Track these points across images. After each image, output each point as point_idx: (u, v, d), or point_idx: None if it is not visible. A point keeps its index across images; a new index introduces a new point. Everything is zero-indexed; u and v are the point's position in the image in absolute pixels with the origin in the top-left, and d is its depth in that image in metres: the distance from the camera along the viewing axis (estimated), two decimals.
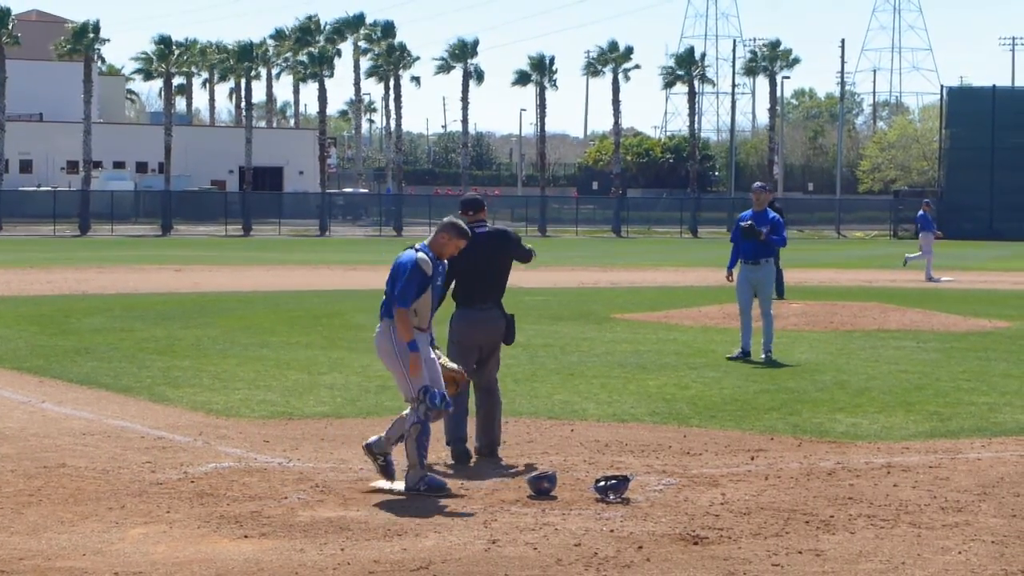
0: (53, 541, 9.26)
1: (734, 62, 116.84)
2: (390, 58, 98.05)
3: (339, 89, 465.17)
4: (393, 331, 10.89)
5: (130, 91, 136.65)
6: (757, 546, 9.24)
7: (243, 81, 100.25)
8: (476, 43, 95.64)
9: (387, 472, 10.95)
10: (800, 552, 9.10)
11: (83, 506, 10.25)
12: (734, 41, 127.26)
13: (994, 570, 8.78)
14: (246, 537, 9.44)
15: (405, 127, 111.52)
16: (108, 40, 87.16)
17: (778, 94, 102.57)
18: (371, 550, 9.11)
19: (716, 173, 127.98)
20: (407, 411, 10.94)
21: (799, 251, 41.13)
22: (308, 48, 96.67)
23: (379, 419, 14.22)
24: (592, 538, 9.40)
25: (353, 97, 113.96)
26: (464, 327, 12.27)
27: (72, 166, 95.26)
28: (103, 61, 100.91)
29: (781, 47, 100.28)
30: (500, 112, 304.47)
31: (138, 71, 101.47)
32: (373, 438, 11.11)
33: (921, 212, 42.37)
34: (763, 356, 19.43)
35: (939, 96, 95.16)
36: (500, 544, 9.24)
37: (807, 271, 42.48)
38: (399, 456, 11.06)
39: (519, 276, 41.19)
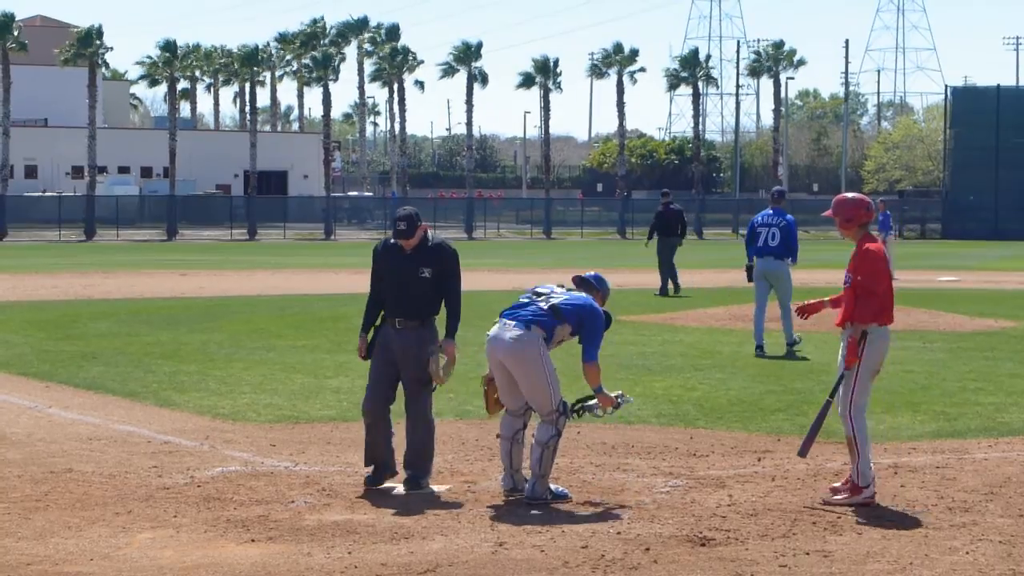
0: (60, 546, 9.27)
1: (738, 63, 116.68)
2: (394, 62, 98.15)
3: (343, 93, 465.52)
4: (543, 341, 10.56)
5: (134, 96, 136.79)
6: (764, 547, 9.24)
7: (247, 85, 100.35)
8: (480, 46, 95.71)
9: (562, 495, 10.64)
10: (807, 553, 9.10)
11: (90, 511, 10.25)
12: (738, 42, 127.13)
13: (1002, 570, 8.78)
14: (253, 541, 9.45)
15: (409, 130, 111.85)
16: (111, 48, 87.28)
17: (782, 95, 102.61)
18: (378, 553, 9.11)
19: (721, 175, 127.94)
20: (536, 437, 10.56)
21: (805, 252, 41.07)
22: (312, 52, 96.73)
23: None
24: (599, 540, 9.40)
25: (357, 100, 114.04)
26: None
27: (77, 171, 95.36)
28: (107, 66, 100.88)
29: (785, 48, 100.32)
30: (504, 115, 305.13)
31: (143, 76, 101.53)
32: (527, 488, 10.58)
33: (885, 213, 42.48)
34: (787, 348, 20.12)
35: (943, 96, 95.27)
36: (507, 547, 9.24)
37: (813, 272, 42.44)
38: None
39: (523, 279, 41.18)
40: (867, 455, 10.45)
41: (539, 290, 10.92)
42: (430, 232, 11.15)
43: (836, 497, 10.44)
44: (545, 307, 10.64)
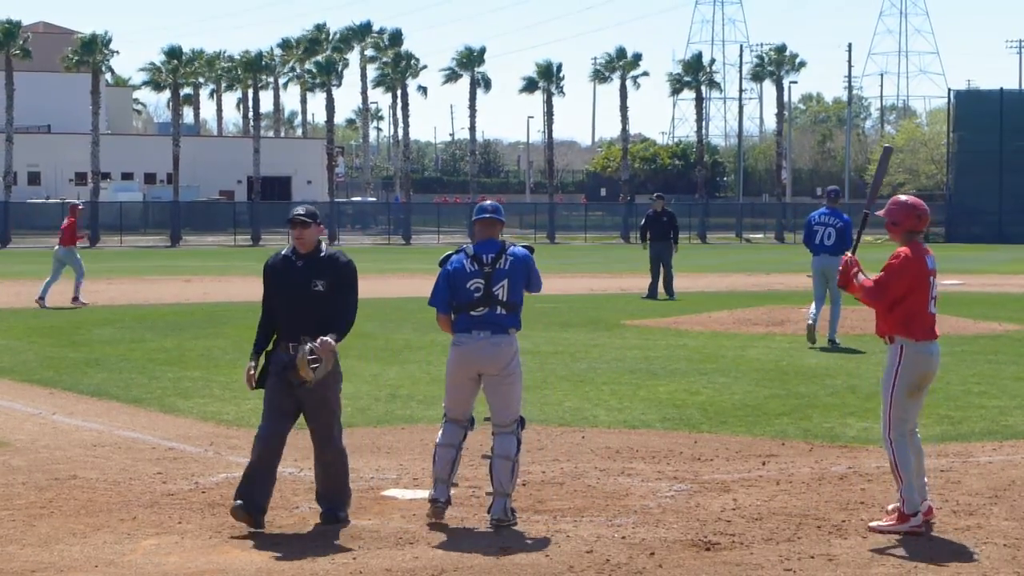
0: (65, 553, 9.27)
1: (741, 67, 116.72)
2: (397, 67, 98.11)
3: (347, 98, 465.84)
4: (518, 342, 10.24)
5: (137, 102, 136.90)
6: (769, 551, 9.24)
7: (251, 91, 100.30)
8: (483, 51, 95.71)
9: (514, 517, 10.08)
10: (812, 557, 9.10)
11: (94, 518, 10.25)
12: (741, 46, 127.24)
13: (1006, 573, 8.78)
14: (257, 547, 9.45)
15: (413, 135, 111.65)
16: (117, 52, 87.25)
17: (785, 99, 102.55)
18: (383, 559, 9.12)
19: (724, 179, 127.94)
20: (498, 451, 10.11)
21: (808, 256, 41.06)
22: (315, 57, 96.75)
23: (389, 427, 14.26)
24: (604, 545, 9.40)
25: (360, 106, 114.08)
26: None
27: (80, 178, 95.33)
28: (112, 72, 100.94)
29: (788, 52, 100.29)
30: (508, 119, 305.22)
31: (146, 82, 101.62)
32: (497, 508, 9.99)
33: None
34: (828, 342, 21.33)
35: (947, 99, 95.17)
36: (512, 551, 9.24)
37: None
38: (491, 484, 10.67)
39: None
40: (910, 480, 9.80)
41: (494, 291, 10.19)
42: (324, 243, 10.28)
43: (881, 523, 9.86)
44: (507, 310, 10.16)
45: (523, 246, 10.50)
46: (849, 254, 10.18)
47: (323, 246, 10.19)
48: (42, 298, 30.65)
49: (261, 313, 10.27)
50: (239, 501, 9.87)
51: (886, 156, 10.96)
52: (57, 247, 32.28)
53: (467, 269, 10.24)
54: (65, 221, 32.43)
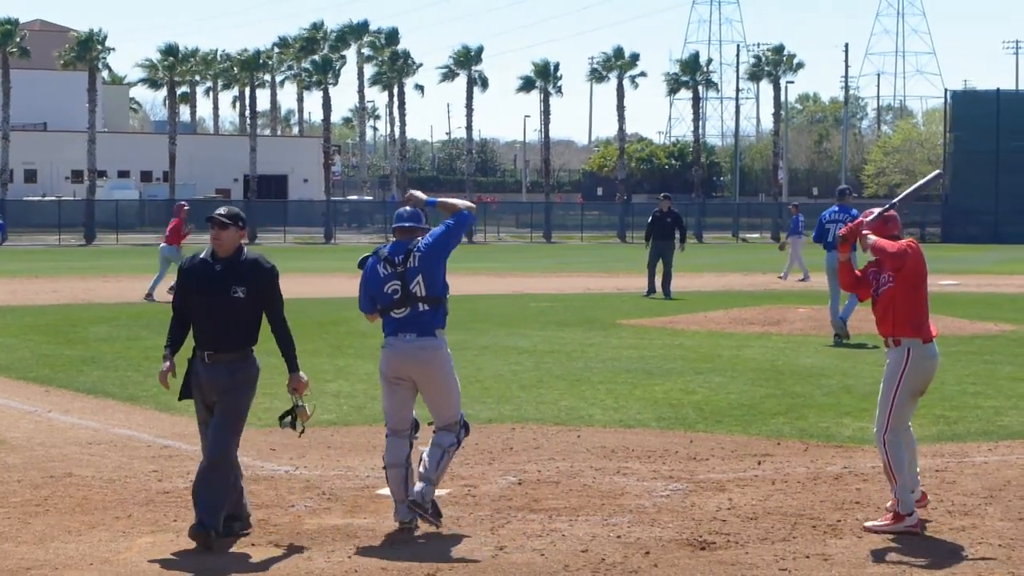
0: (60, 551, 9.27)
1: (738, 67, 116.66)
2: (394, 66, 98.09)
3: (343, 97, 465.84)
4: (446, 342, 10.02)
5: (133, 100, 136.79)
6: (764, 551, 9.24)
7: (247, 89, 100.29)
8: (480, 50, 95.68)
9: (438, 514, 9.94)
10: (807, 556, 9.10)
11: (90, 515, 10.25)
12: (738, 46, 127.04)
13: (1001, 573, 8.78)
14: (253, 545, 9.45)
15: (409, 134, 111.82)
16: (113, 49, 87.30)
17: (782, 99, 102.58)
18: (378, 557, 9.12)
19: (721, 178, 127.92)
20: (435, 440, 9.98)
21: (805, 255, 41.14)
22: (312, 56, 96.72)
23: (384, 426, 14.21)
24: (599, 544, 9.40)
25: (357, 105, 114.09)
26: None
27: (77, 175, 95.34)
28: (108, 70, 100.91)
29: (785, 52, 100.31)
30: (504, 119, 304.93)
31: (143, 80, 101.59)
32: (417, 490, 9.81)
33: (795, 216, 42.61)
34: (840, 319, 22.16)
35: (943, 100, 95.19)
36: (507, 550, 9.25)
37: (812, 275, 42.48)
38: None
39: (525, 283, 41.11)
40: (904, 481, 9.81)
41: (411, 289, 9.89)
42: (245, 247, 9.69)
43: (877, 523, 9.83)
44: (430, 305, 9.86)
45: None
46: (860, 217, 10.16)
47: (245, 250, 9.62)
48: (150, 295, 31.91)
49: (173, 314, 9.79)
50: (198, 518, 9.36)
51: (936, 179, 11.11)
52: (163, 245, 33.58)
53: (381, 273, 10.00)
54: (172, 222, 33.57)
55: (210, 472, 9.40)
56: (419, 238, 10.11)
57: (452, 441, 9.98)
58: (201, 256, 9.63)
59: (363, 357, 19.86)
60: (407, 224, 10.19)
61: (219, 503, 9.34)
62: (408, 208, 10.32)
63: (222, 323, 9.49)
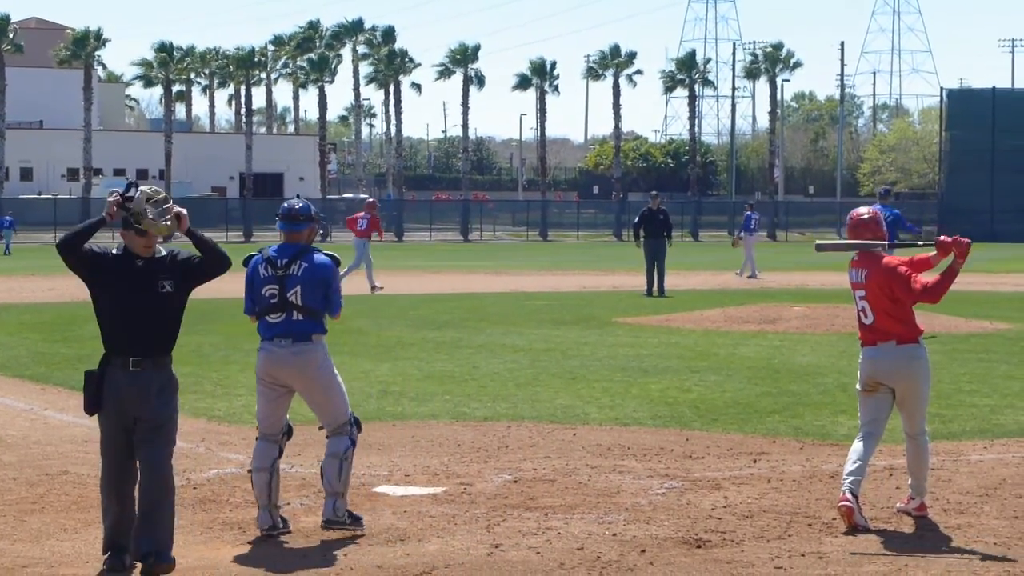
0: (56, 549, 9.27)
1: (734, 65, 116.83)
2: (390, 64, 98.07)
3: (339, 95, 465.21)
4: (324, 346, 9.72)
5: (129, 98, 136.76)
6: (760, 549, 9.24)
7: (243, 87, 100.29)
8: (477, 48, 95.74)
9: (357, 521, 9.71)
10: (803, 555, 9.11)
11: (86, 513, 10.24)
12: (734, 44, 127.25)
13: (997, 572, 8.79)
14: (249, 543, 9.45)
15: (405, 132, 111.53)
16: (109, 40, 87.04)
17: (778, 97, 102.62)
18: (374, 555, 9.12)
19: (717, 177, 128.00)
20: (329, 451, 9.71)
21: (801, 254, 41.19)
22: (308, 54, 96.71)
23: (381, 424, 14.24)
24: (595, 542, 9.41)
25: (353, 103, 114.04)
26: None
27: (72, 173, 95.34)
28: (104, 68, 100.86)
29: (781, 50, 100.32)
30: (501, 117, 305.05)
31: (138, 78, 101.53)
32: (327, 508, 9.64)
33: (747, 214, 42.62)
34: None
35: (939, 98, 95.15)
36: (503, 549, 9.24)
37: (809, 274, 42.49)
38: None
39: (521, 281, 41.10)
40: (848, 471, 10.07)
41: (288, 297, 9.58)
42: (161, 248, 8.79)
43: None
44: (305, 315, 9.56)
45: (327, 254, 9.76)
46: (946, 238, 10.78)
47: (161, 248, 8.73)
48: (374, 287, 33.66)
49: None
50: (107, 555, 8.66)
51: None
52: (356, 239, 34.79)
53: (261, 274, 9.66)
54: (369, 218, 34.70)
55: (166, 495, 8.60)
56: (310, 242, 9.78)
57: (347, 444, 9.70)
58: (114, 252, 8.56)
59: (358, 355, 19.88)
60: (294, 228, 9.79)
61: (170, 522, 8.59)
62: (295, 204, 9.90)
63: (146, 324, 8.64)
